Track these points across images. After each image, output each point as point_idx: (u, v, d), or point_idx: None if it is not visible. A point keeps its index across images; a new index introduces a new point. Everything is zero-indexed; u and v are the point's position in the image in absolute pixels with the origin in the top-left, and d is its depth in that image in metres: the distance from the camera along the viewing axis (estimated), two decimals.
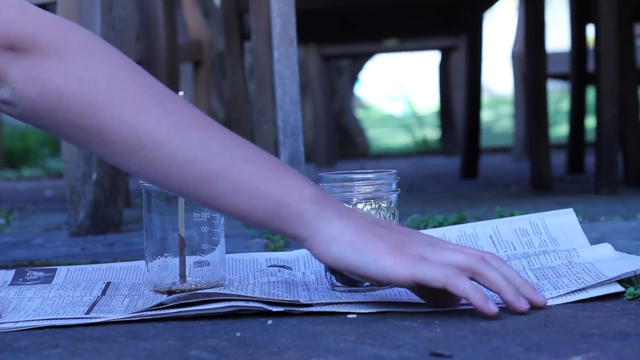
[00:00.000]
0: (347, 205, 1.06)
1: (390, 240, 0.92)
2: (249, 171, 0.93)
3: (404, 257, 0.90)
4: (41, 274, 1.17)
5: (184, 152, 0.93)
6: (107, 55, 0.96)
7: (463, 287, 0.89)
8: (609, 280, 1.00)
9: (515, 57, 4.04)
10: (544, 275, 1.04)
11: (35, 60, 0.93)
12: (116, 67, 0.95)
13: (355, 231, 0.92)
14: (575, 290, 0.99)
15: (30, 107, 0.94)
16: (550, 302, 0.96)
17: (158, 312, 0.95)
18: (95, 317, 0.96)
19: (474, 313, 0.93)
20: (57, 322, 0.95)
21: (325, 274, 1.05)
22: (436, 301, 0.95)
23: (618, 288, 0.99)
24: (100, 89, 0.93)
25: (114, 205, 1.80)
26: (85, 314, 0.97)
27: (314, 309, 0.95)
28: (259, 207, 0.92)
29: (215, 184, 0.93)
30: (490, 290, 0.91)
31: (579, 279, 1.01)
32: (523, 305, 0.91)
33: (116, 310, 0.99)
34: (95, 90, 0.93)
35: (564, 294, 0.98)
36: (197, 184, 0.93)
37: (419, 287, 0.93)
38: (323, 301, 0.97)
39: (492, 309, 0.89)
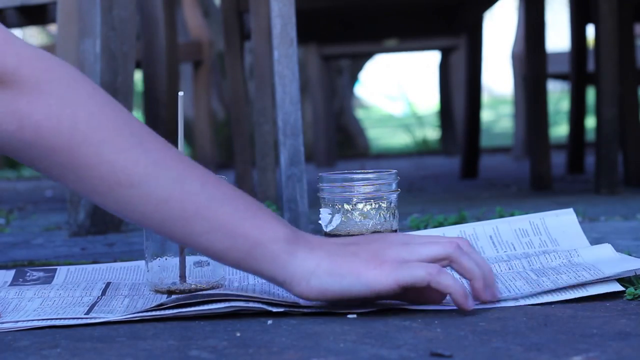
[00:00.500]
0: (347, 206, 1.06)
1: (364, 254, 0.92)
2: (224, 211, 0.93)
3: (383, 266, 0.91)
4: (41, 274, 1.17)
5: (161, 191, 0.93)
6: (87, 92, 0.95)
7: (446, 284, 0.91)
8: (608, 278, 1.00)
9: (515, 57, 4.04)
10: (543, 273, 1.04)
11: (15, 94, 0.92)
12: (96, 103, 0.94)
13: (329, 258, 0.92)
14: (575, 286, 0.99)
15: (7, 140, 0.93)
16: (550, 299, 0.97)
17: (158, 312, 0.95)
18: (95, 318, 0.96)
19: (474, 313, 0.93)
20: (57, 322, 0.95)
21: None
22: (422, 300, 0.96)
23: (618, 287, 0.99)
24: (79, 125, 0.93)
25: None
26: (85, 314, 0.97)
27: (313, 309, 0.95)
28: (235, 247, 0.93)
29: (191, 223, 0.93)
30: (464, 277, 0.94)
31: (579, 276, 1.01)
32: (488, 296, 0.94)
33: (116, 310, 0.99)
34: (74, 127, 0.92)
35: (563, 289, 0.98)
36: (173, 223, 0.93)
37: (405, 291, 0.93)
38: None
39: (471, 305, 0.92)
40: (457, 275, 0.95)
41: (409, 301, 0.96)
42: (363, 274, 0.91)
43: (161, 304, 0.97)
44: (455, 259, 0.93)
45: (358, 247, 0.93)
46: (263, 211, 0.95)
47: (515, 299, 0.98)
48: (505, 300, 0.98)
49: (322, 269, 0.92)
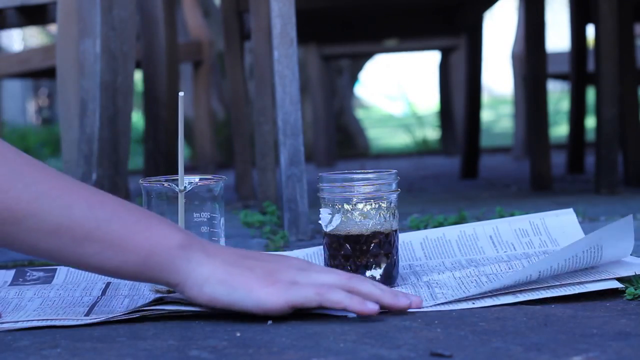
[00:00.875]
0: (347, 206, 1.06)
1: (260, 271, 0.93)
2: (113, 229, 0.93)
3: (275, 285, 0.92)
4: (41, 274, 1.17)
5: (48, 224, 0.93)
6: None
7: (338, 299, 0.91)
8: (608, 277, 1.00)
9: (515, 57, 4.04)
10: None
11: None
12: None
13: (224, 268, 0.93)
14: (574, 283, 0.99)
15: None
16: (550, 294, 0.97)
17: (157, 307, 0.96)
18: (95, 318, 0.95)
19: (474, 313, 0.93)
20: (57, 323, 0.95)
21: None
22: None
23: (617, 284, 0.99)
24: None
25: None
26: (85, 314, 0.97)
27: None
28: (129, 261, 0.93)
29: (82, 247, 0.93)
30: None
31: (578, 275, 1.01)
32: (404, 301, 0.94)
33: (116, 311, 0.99)
34: None
35: (561, 286, 0.98)
36: (64, 250, 0.93)
37: (292, 312, 0.94)
38: None
39: (372, 307, 0.91)
40: None
41: None
42: (255, 290, 0.92)
43: (161, 299, 0.97)
44: (352, 287, 0.93)
45: (255, 262, 0.94)
46: (156, 221, 0.95)
47: (514, 293, 0.98)
48: (504, 295, 0.98)
49: (216, 277, 0.92)
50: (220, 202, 1.09)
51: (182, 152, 1.06)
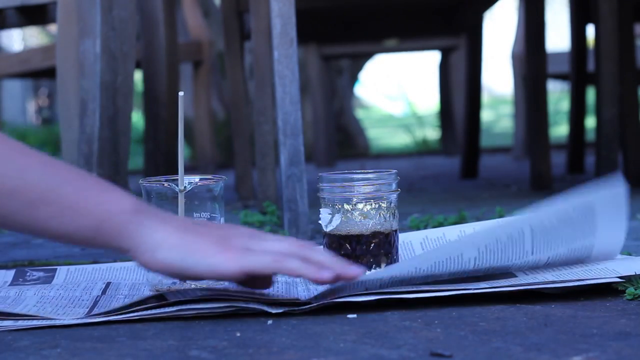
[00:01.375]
0: (347, 206, 1.06)
1: (213, 237, 0.93)
2: (68, 192, 0.94)
3: (230, 251, 0.92)
4: (41, 274, 1.17)
5: (2, 186, 0.93)
6: None
7: (295, 267, 0.92)
8: (608, 277, 1.00)
9: (515, 57, 4.04)
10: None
11: None
12: None
13: (178, 234, 0.93)
14: (575, 280, 0.99)
15: None
16: (549, 285, 0.98)
17: (158, 310, 0.96)
18: (95, 317, 0.95)
19: (474, 313, 0.93)
20: (57, 322, 0.95)
21: None
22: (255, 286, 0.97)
23: (617, 280, 0.99)
24: None
25: None
26: (85, 314, 0.97)
27: (313, 306, 0.95)
28: (83, 225, 0.93)
29: (37, 210, 0.93)
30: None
31: (578, 272, 1.02)
32: (354, 271, 0.93)
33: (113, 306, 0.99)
34: None
35: (563, 281, 0.99)
36: (19, 213, 0.94)
37: (249, 279, 0.94)
38: (323, 301, 0.97)
39: (327, 275, 0.91)
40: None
41: (248, 287, 0.97)
42: (210, 255, 0.92)
43: (161, 296, 0.97)
44: (304, 255, 0.93)
45: (208, 229, 0.95)
46: (109, 188, 0.96)
47: (510, 282, 0.99)
48: (503, 287, 0.98)
49: (169, 243, 0.92)
50: (220, 202, 1.09)
51: (182, 152, 1.06)
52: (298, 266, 0.92)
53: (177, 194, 1.07)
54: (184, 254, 0.92)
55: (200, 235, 0.93)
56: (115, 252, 0.96)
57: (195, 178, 1.08)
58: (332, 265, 0.93)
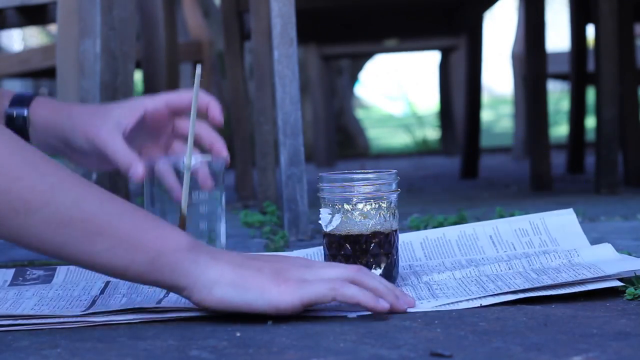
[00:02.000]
0: (347, 206, 1.06)
1: (268, 271, 0.92)
2: (124, 226, 0.93)
3: (286, 284, 0.91)
4: (41, 273, 1.17)
5: (59, 215, 0.91)
6: None
7: (352, 294, 0.91)
8: (608, 276, 1.00)
9: (515, 57, 4.04)
10: (544, 272, 1.04)
11: None
12: None
13: (233, 270, 0.92)
14: (574, 283, 0.99)
15: None
16: (551, 292, 0.98)
17: (158, 315, 0.96)
18: (93, 316, 0.95)
19: (474, 313, 0.93)
20: (57, 321, 0.95)
21: None
22: None
23: (617, 283, 0.99)
24: None
25: None
26: (83, 313, 0.97)
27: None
28: (137, 260, 0.92)
29: (93, 242, 0.92)
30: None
31: (579, 274, 1.01)
32: (403, 305, 0.94)
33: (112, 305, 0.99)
34: None
35: (561, 285, 0.98)
36: (74, 245, 0.92)
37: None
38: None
39: (384, 304, 0.91)
40: None
41: None
42: (267, 290, 0.91)
43: (159, 302, 0.97)
44: (359, 280, 0.93)
45: (262, 263, 0.94)
46: (163, 224, 0.95)
47: (515, 292, 0.98)
48: (504, 294, 0.98)
49: (226, 279, 0.91)
50: (219, 178, 1.09)
51: (193, 130, 1.06)
52: (355, 293, 0.91)
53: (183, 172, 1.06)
54: (242, 290, 0.91)
55: (256, 269, 0.92)
56: (167, 289, 0.95)
57: (199, 157, 1.09)
58: (387, 294, 0.93)
